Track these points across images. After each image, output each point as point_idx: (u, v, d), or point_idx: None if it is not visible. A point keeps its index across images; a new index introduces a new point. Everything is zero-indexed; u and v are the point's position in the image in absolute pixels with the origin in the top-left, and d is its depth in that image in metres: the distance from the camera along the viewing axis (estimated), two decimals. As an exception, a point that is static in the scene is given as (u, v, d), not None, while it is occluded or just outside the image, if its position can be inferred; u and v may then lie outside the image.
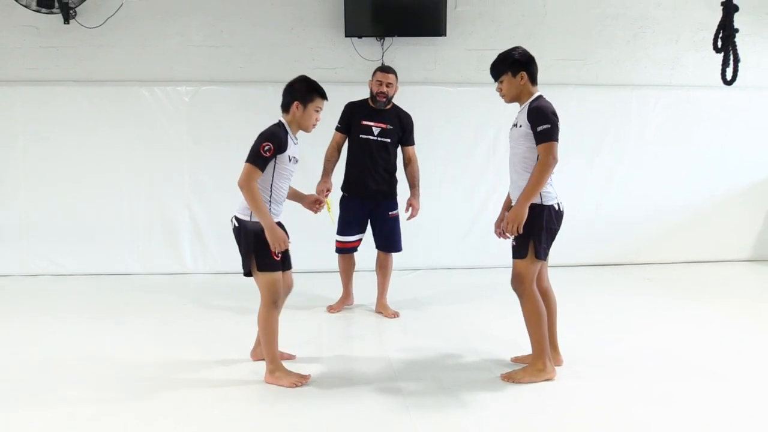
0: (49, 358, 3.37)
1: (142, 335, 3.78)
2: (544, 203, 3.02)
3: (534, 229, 3.00)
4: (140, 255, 5.41)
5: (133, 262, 5.40)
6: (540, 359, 3.04)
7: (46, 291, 4.91)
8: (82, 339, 3.70)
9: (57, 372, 3.17)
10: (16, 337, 3.74)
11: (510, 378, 3.04)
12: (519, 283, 3.06)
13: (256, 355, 3.29)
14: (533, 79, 3.07)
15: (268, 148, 2.93)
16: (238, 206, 3.05)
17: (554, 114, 2.97)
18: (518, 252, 3.06)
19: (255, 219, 2.97)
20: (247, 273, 3.05)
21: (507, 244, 3.16)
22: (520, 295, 3.06)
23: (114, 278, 5.26)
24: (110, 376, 3.12)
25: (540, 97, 3.07)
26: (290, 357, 3.36)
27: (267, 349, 3.04)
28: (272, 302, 3.01)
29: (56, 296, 4.76)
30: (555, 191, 3.08)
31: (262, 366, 3.07)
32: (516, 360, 3.34)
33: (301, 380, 3.00)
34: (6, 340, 3.69)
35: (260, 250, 2.97)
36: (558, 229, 3.11)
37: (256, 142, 2.98)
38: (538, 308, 3.03)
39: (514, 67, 3.04)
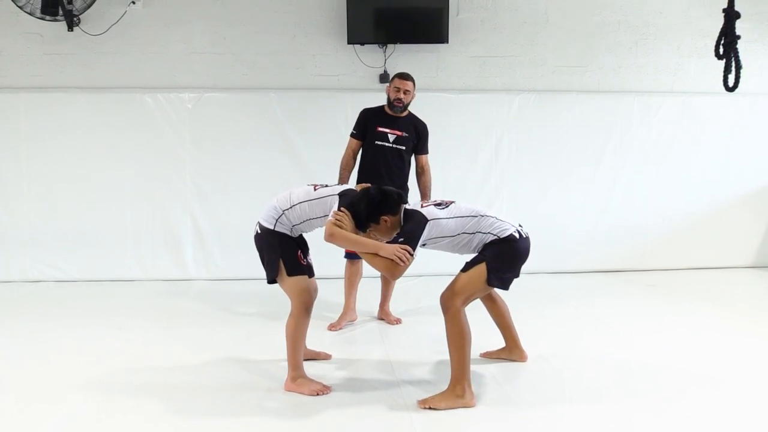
0: (51, 364, 3.37)
1: (144, 341, 3.78)
2: (500, 237, 2.90)
3: (491, 253, 2.89)
4: (142, 261, 5.42)
5: (135, 268, 5.41)
6: (459, 384, 2.82)
7: (49, 297, 4.91)
8: (85, 344, 3.70)
9: (59, 377, 3.17)
10: (19, 343, 3.74)
11: (426, 403, 2.80)
12: (449, 298, 2.85)
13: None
14: (395, 210, 2.87)
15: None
16: (263, 213, 3.05)
17: (420, 232, 2.82)
18: (467, 264, 2.95)
19: (279, 230, 2.99)
20: (272, 280, 3.04)
21: None
22: (446, 312, 2.85)
23: (116, 284, 5.27)
24: (112, 380, 3.12)
25: (407, 216, 2.89)
26: (327, 357, 3.44)
27: (291, 356, 3.02)
28: (304, 308, 3.00)
29: (59, 302, 4.76)
30: (507, 221, 2.96)
31: (271, 372, 3.06)
32: (485, 355, 3.43)
33: (323, 389, 2.97)
34: (8, 345, 3.69)
35: (288, 255, 2.97)
36: (524, 257, 2.96)
37: (342, 201, 2.92)
38: (463, 329, 2.83)
39: (372, 218, 2.84)
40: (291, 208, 2.99)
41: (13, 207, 5.34)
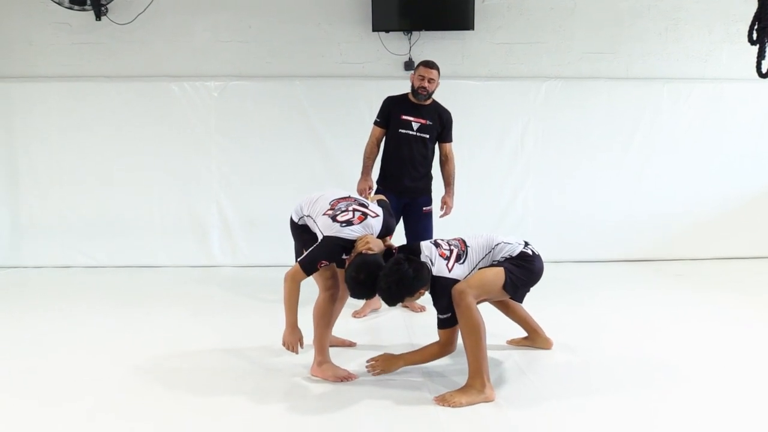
0: (80, 347, 3.44)
1: (172, 326, 3.84)
2: (513, 256, 2.95)
3: (510, 264, 2.92)
4: (170, 248, 5.49)
5: (163, 255, 5.48)
6: (478, 378, 2.77)
7: (79, 282, 5.02)
8: (113, 329, 3.77)
9: (88, 361, 3.24)
10: (49, 328, 3.82)
11: (444, 401, 2.74)
12: (462, 290, 2.81)
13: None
14: (429, 278, 2.85)
15: (324, 265, 2.93)
16: (294, 206, 3.17)
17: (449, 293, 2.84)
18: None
19: (301, 223, 3.11)
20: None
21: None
22: (458, 306, 2.80)
23: (144, 270, 5.35)
24: (140, 365, 3.17)
25: (436, 284, 2.86)
26: (351, 344, 3.47)
27: (317, 341, 3.05)
28: (329, 294, 3.07)
29: (88, 287, 4.86)
30: (513, 240, 3.01)
31: (296, 358, 3.08)
32: (512, 343, 3.44)
33: (349, 376, 3.00)
34: (38, 330, 3.77)
35: (310, 244, 3.00)
36: (538, 275, 3.00)
37: (318, 249, 2.91)
38: (477, 322, 2.78)
39: (411, 294, 2.82)
40: (308, 216, 3.09)
41: (44, 194, 5.44)
